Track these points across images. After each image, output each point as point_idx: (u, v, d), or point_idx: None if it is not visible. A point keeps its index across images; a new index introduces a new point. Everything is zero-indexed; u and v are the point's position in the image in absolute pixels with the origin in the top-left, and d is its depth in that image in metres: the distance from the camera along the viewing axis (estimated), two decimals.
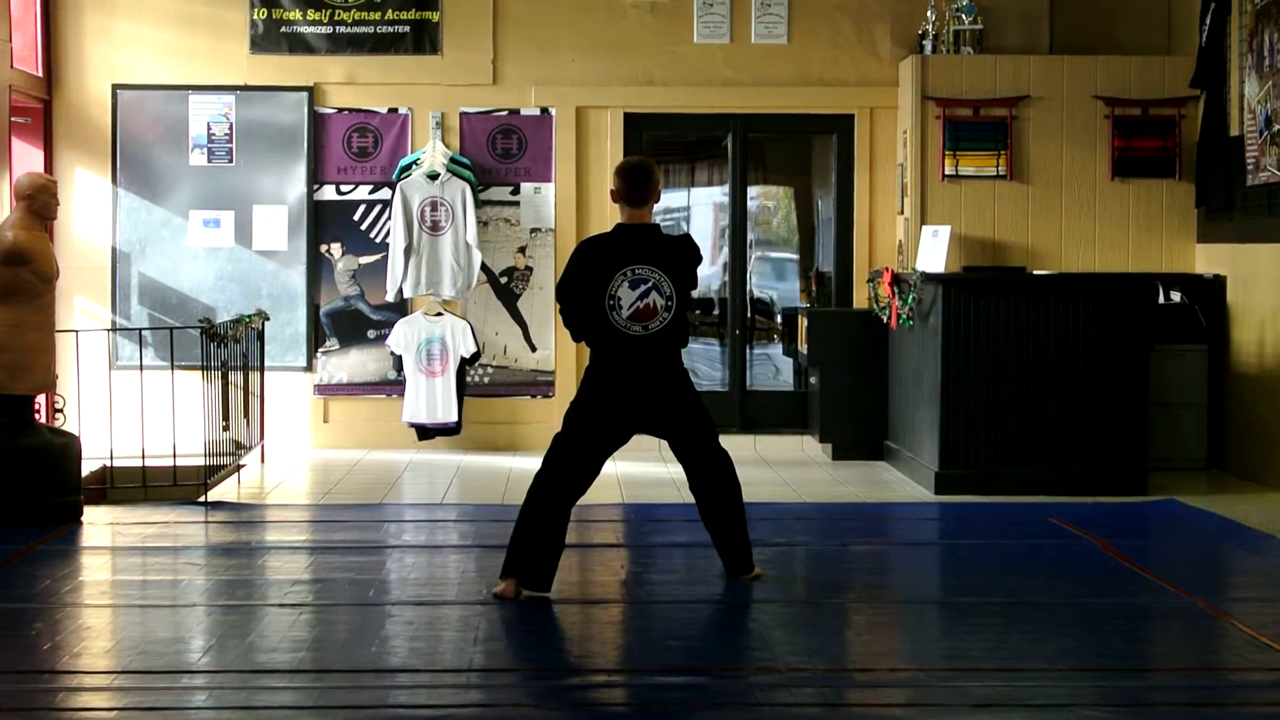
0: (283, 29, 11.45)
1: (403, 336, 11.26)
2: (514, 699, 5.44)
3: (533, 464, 7.16)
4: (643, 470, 10.35)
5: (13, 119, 10.73)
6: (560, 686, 5.61)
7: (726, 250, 11.83)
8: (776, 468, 10.71)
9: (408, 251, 11.20)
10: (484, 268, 11.40)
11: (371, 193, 11.49)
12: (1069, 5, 11.55)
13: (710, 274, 11.85)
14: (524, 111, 11.54)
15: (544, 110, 11.53)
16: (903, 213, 11.33)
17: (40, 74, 11.25)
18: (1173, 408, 10.53)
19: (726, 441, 7.22)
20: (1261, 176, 9.91)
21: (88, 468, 9.20)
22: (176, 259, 11.44)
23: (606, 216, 10.83)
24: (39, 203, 8.52)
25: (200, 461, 9.39)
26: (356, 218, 11.51)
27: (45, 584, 7.09)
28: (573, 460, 6.81)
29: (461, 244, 11.19)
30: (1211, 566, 7.85)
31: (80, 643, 6.09)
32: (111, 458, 9.61)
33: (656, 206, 7.17)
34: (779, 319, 12.14)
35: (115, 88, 11.40)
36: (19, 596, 6.83)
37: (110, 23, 11.41)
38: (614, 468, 9.85)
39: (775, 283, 12.33)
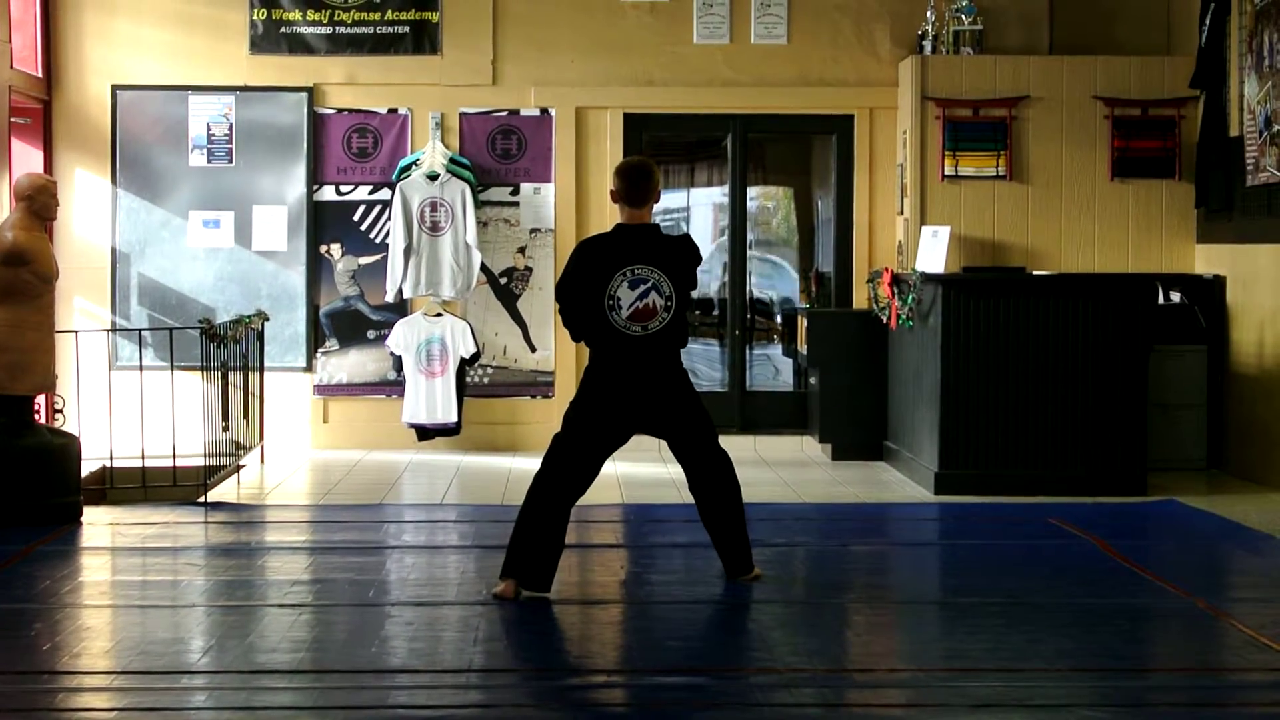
0: (282, 29, 11.45)
1: (402, 337, 11.26)
2: (514, 699, 5.44)
3: (532, 464, 7.17)
4: (643, 470, 10.35)
5: (12, 119, 10.73)
6: (560, 687, 5.61)
7: (726, 251, 11.83)
8: (776, 468, 10.71)
9: (407, 252, 11.21)
10: (484, 268, 11.40)
11: (371, 193, 11.50)
12: (1069, 5, 11.55)
13: (709, 274, 11.85)
14: (524, 112, 11.54)
15: (544, 111, 11.53)
16: (902, 213, 11.33)
17: (40, 74, 11.25)
18: (1172, 408, 10.53)
19: (726, 442, 7.22)
20: (1261, 177, 9.91)
21: (87, 468, 9.20)
22: (176, 259, 11.44)
23: (606, 217, 10.83)
24: (39, 203, 8.51)
25: (200, 462, 9.39)
26: (356, 218, 11.51)
27: (45, 584, 7.09)
28: (572, 460, 6.81)
29: (461, 244, 11.19)
30: (1211, 567, 7.84)
31: (80, 643, 6.09)
32: (111, 458, 9.61)
33: (656, 207, 7.18)
34: (779, 319, 12.14)
35: (115, 88, 11.40)
36: (19, 597, 6.83)
37: (110, 23, 11.41)
38: (614, 468, 9.85)
39: (775, 283, 12.33)
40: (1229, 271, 10.59)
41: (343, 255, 11.50)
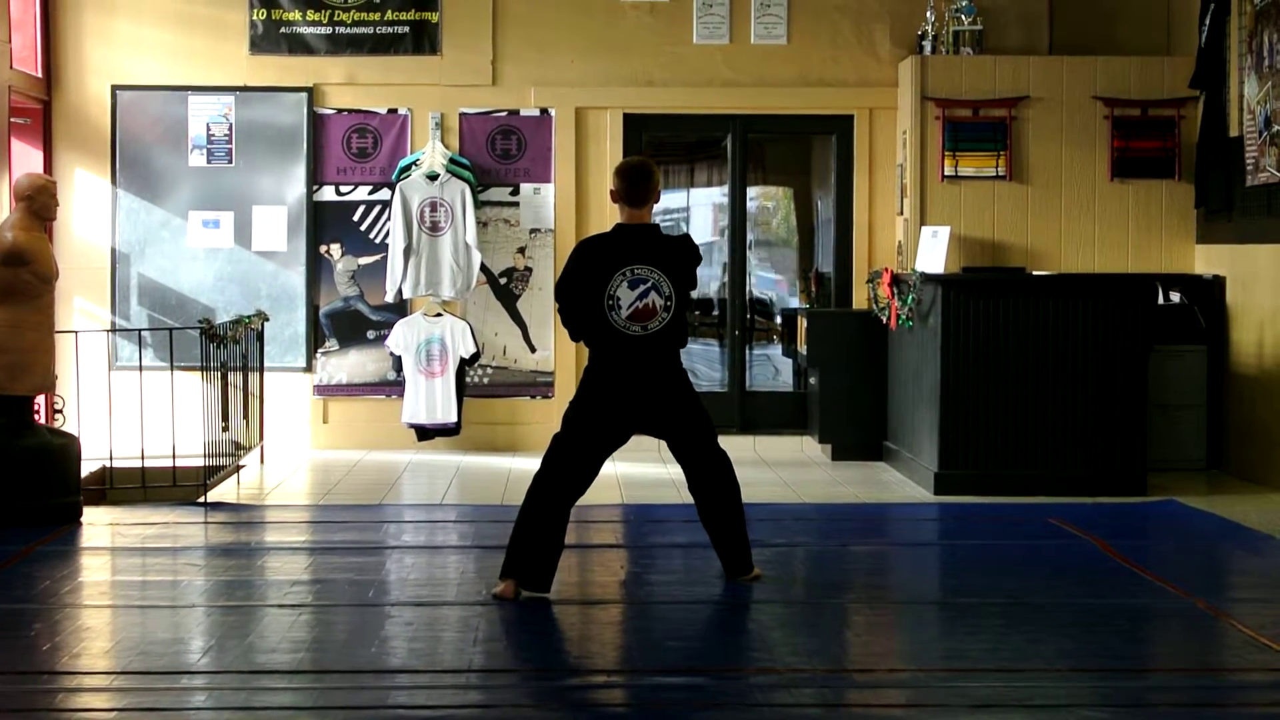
0: (282, 30, 11.45)
1: (402, 337, 11.26)
2: (514, 699, 5.43)
3: (532, 465, 7.16)
4: (642, 471, 10.35)
5: (12, 120, 10.73)
6: (560, 687, 5.61)
7: (726, 251, 11.83)
8: (776, 468, 10.71)
9: (407, 252, 11.21)
10: (483, 268, 11.40)
11: (371, 193, 11.50)
12: (1069, 6, 11.55)
13: (709, 275, 11.85)
14: (523, 112, 11.54)
15: (543, 111, 11.53)
16: (902, 213, 11.33)
17: (40, 75, 11.25)
18: (1172, 408, 10.53)
19: (726, 442, 7.22)
20: (1261, 177, 9.91)
21: (87, 468, 9.20)
22: (176, 260, 11.45)
23: (606, 217, 10.83)
24: (38, 203, 8.51)
25: (200, 462, 9.39)
26: (356, 218, 11.51)
27: (45, 585, 7.09)
28: (572, 461, 6.81)
29: (461, 245, 11.19)
30: (1211, 567, 7.84)
31: (80, 643, 6.09)
32: (111, 458, 9.61)
33: (656, 207, 7.18)
34: (778, 319, 12.14)
35: (115, 88, 11.40)
36: (18, 597, 6.83)
37: (110, 23, 11.41)
38: (613, 468, 9.85)
39: (774, 283, 12.33)
40: (1229, 272, 10.59)
41: (342, 255, 11.50)
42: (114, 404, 9.97)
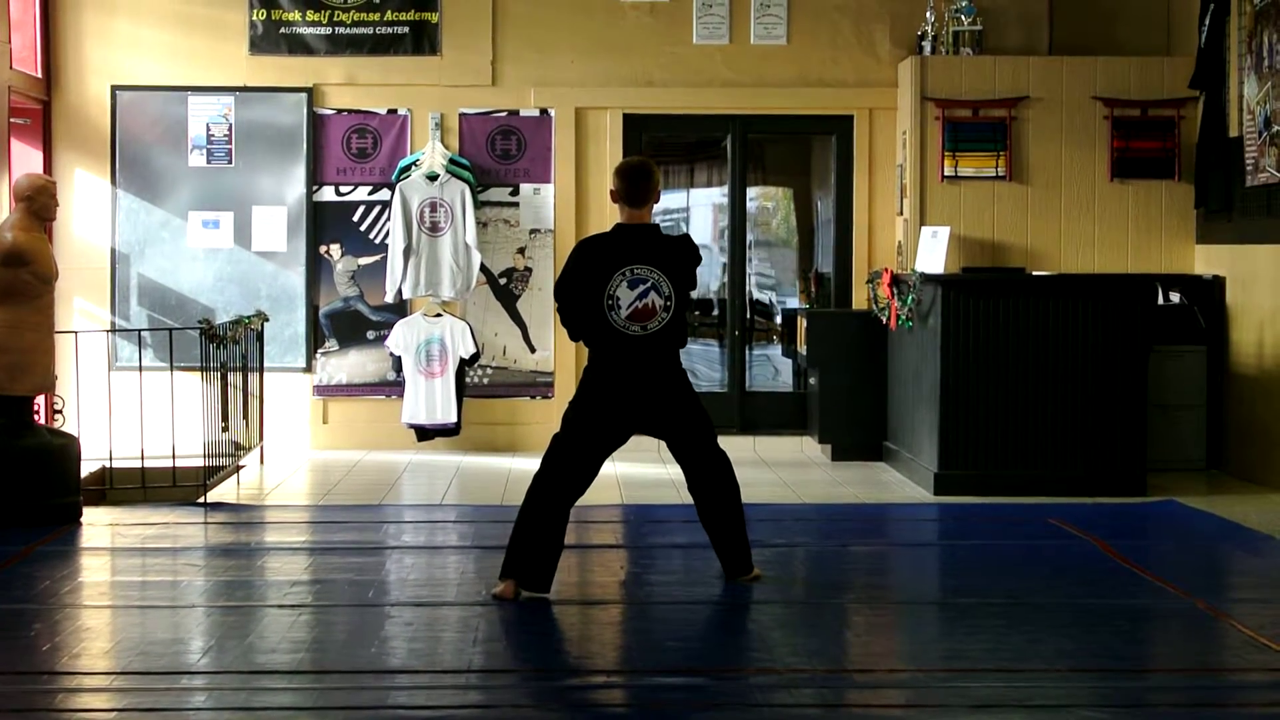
0: (282, 30, 11.46)
1: (402, 337, 11.26)
2: (513, 700, 5.43)
3: (532, 465, 7.16)
4: (642, 471, 10.35)
5: (12, 120, 10.74)
6: (560, 687, 5.61)
7: (726, 251, 11.83)
8: (776, 469, 10.71)
9: (407, 252, 11.21)
10: (483, 269, 11.40)
11: (371, 194, 11.50)
12: (1068, 6, 11.55)
13: (709, 275, 11.85)
14: (523, 112, 11.54)
15: (543, 111, 11.53)
16: (902, 214, 11.33)
17: (39, 75, 11.25)
18: (1172, 408, 10.53)
19: (726, 442, 7.22)
20: (1261, 177, 9.91)
21: (87, 469, 9.20)
22: (176, 260, 11.45)
23: (606, 217, 10.83)
24: (38, 204, 8.51)
25: (199, 462, 9.39)
26: (356, 219, 11.51)
27: (44, 585, 7.09)
28: (571, 461, 6.81)
29: (461, 245, 11.19)
30: (1211, 567, 7.84)
31: (80, 644, 6.09)
32: (111, 459, 9.61)
33: (656, 207, 7.18)
34: (778, 320, 12.14)
35: (114, 89, 11.40)
36: (18, 597, 6.83)
37: (110, 24, 11.41)
38: (613, 468, 9.85)
39: (774, 284, 12.33)
40: (1228, 272, 10.59)
41: (342, 256, 11.50)
42: (114, 404, 9.97)
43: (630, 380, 6.82)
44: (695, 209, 12.37)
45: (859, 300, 11.46)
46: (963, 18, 11.20)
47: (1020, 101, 11.07)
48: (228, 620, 6.49)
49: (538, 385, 11.56)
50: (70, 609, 6.64)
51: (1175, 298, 10.62)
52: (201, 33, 11.42)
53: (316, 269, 11.48)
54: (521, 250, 11.54)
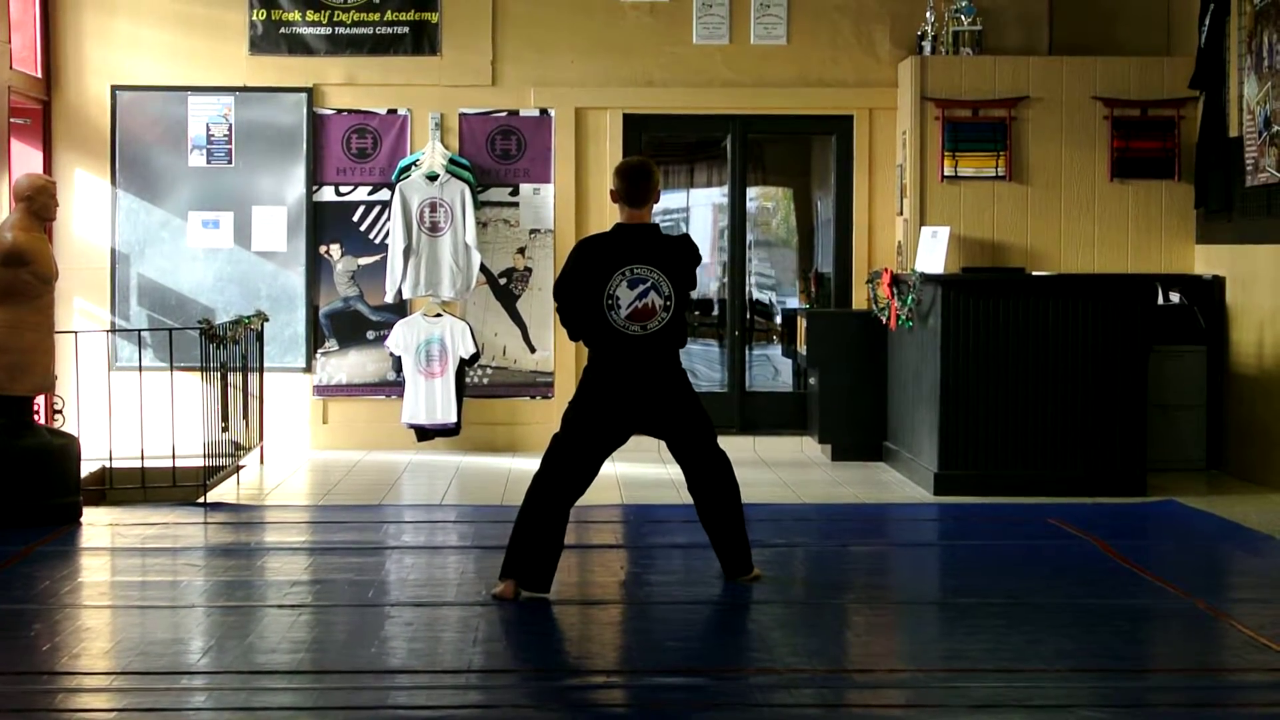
0: (282, 30, 11.46)
1: (402, 337, 11.26)
2: (513, 700, 5.43)
3: (532, 465, 7.16)
4: (642, 471, 10.35)
5: (12, 120, 10.73)
6: (560, 687, 5.61)
7: (726, 251, 11.83)
8: (775, 469, 10.71)
9: (407, 252, 11.21)
10: (483, 269, 11.40)
11: (371, 194, 11.50)
12: (1068, 6, 11.55)
13: (709, 275, 11.85)
14: (523, 112, 11.54)
15: (543, 111, 11.53)
16: (902, 214, 11.33)
17: (39, 75, 11.25)
18: (1172, 408, 10.53)
19: (725, 442, 7.22)
20: (1260, 177, 9.91)
21: (87, 469, 9.20)
22: (176, 260, 11.45)
23: (606, 217, 10.83)
24: (38, 204, 8.51)
25: (199, 462, 9.39)
26: (356, 219, 11.51)
27: (44, 585, 7.09)
28: (571, 461, 6.81)
29: (461, 245, 11.19)
30: (1211, 567, 7.84)
31: (79, 644, 6.09)
32: (111, 459, 9.61)
33: (656, 207, 7.18)
34: (778, 320, 12.14)
35: (114, 89, 11.40)
36: (18, 598, 6.83)
37: (110, 24, 11.41)
38: (613, 468, 9.85)
39: (774, 284, 12.33)
40: (1228, 272, 10.59)
41: (342, 256, 11.50)
42: (114, 404, 9.97)
43: (630, 380, 6.82)
44: (695, 209, 12.37)
45: (859, 300, 11.46)
46: (963, 18, 11.20)
47: (1020, 101, 11.07)
48: (228, 620, 6.49)
49: (538, 385, 11.56)
50: (70, 609, 6.64)
51: (1175, 298, 10.62)
52: (201, 33, 11.42)
53: (316, 269, 11.48)
54: (521, 250, 11.54)
